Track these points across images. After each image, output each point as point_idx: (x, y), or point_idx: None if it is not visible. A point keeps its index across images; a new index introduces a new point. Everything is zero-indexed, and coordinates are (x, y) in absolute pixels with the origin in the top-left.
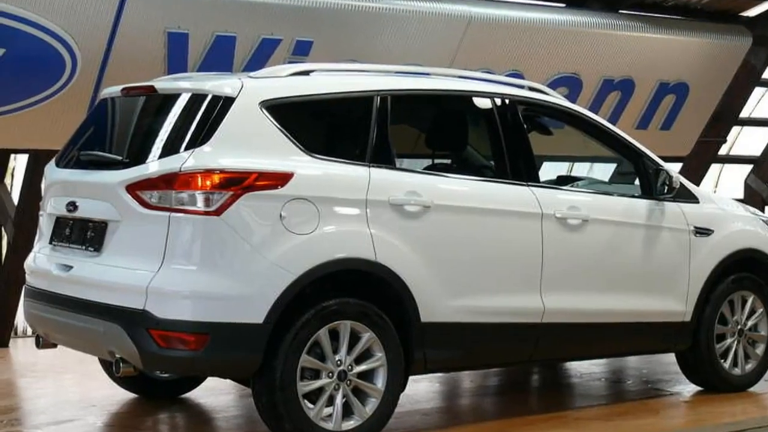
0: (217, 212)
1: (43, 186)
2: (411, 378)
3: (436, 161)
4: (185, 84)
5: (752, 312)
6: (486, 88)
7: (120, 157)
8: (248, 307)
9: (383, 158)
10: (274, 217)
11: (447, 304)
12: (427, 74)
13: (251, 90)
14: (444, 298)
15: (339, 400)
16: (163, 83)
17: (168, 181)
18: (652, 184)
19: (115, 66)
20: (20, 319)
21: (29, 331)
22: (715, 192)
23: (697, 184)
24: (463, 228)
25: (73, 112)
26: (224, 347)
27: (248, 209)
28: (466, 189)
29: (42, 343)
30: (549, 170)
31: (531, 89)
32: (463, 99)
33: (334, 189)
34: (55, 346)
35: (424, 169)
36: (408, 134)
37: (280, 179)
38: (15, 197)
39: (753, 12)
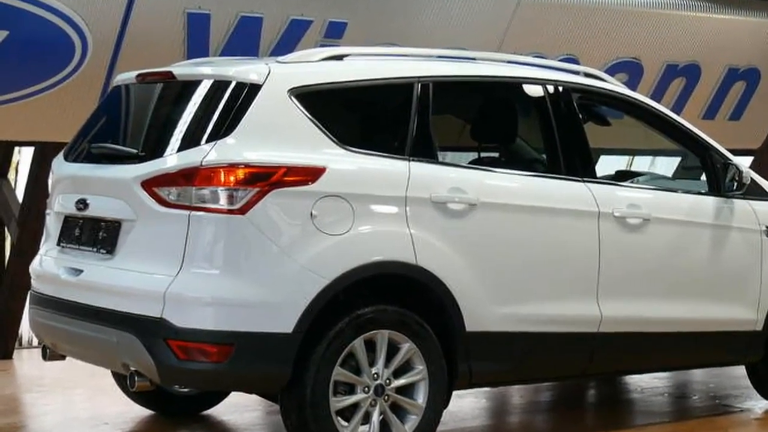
0: (242, 211)
1: (50, 182)
2: (455, 393)
3: (483, 155)
4: (206, 70)
5: None
6: (537, 74)
7: (135, 150)
8: (276, 315)
9: (424, 151)
10: (305, 216)
11: (494, 312)
12: (473, 59)
13: (279, 76)
14: (491, 305)
15: (376, 417)
16: (183, 69)
17: (188, 176)
18: (719, 180)
19: (130, 50)
20: (25, 329)
21: (35, 341)
22: None
23: None
24: (512, 228)
25: (84, 101)
26: (250, 359)
27: (276, 207)
28: (515, 185)
29: (49, 354)
30: (607, 165)
31: (587, 75)
32: (512, 86)
33: (371, 185)
34: (63, 357)
35: (470, 163)
36: (452, 125)
37: (311, 174)
38: (19, 194)
39: None
